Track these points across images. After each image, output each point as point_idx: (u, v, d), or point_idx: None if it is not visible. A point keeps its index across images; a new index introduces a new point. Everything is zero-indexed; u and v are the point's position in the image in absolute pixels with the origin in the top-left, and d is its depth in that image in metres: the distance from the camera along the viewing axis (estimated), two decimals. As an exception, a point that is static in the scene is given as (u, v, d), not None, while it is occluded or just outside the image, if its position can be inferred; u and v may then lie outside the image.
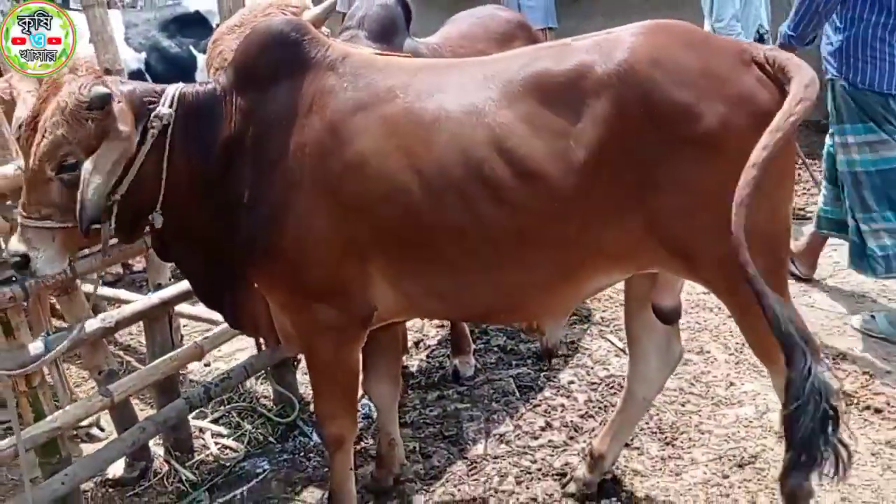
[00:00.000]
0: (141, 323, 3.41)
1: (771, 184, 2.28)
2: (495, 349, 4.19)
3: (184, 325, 4.35)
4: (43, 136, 2.32)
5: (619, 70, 2.20)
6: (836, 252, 4.97)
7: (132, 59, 4.98)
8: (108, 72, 3.41)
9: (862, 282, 4.54)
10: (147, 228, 2.59)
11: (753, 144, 2.20)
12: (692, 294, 4.42)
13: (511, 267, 2.36)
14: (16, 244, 2.39)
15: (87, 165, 2.27)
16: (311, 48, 2.46)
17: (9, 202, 2.77)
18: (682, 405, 3.56)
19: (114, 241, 2.55)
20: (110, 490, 3.31)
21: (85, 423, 3.59)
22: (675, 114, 2.19)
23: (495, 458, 3.33)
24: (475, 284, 2.42)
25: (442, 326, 4.38)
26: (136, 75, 4.80)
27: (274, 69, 2.47)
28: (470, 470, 3.27)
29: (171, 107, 2.42)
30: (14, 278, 2.68)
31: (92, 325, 2.96)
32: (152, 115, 2.39)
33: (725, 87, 2.23)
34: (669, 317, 2.76)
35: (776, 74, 2.27)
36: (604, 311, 4.46)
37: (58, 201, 2.35)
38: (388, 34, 3.44)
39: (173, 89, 2.48)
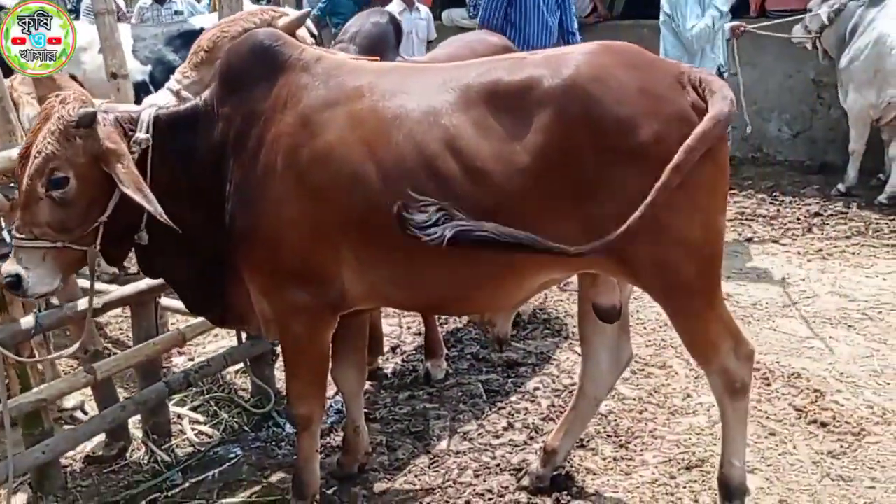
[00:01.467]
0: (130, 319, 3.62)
1: (703, 197, 2.50)
2: (468, 356, 4.37)
3: (171, 323, 4.56)
4: (34, 157, 2.50)
5: (563, 84, 2.41)
6: (803, 281, 5.17)
7: (138, 71, 5.23)
8: (114, 76, 3.66)
9: (824, 309, 4.73)
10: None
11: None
12: (661, 314, 4.59)
13: (458, 259, 2.52)
14: (9, 265, 2.55)
15: (126, 189, 2.47)
16: (285, 52, 2.71)
17: (12, 184, 2.95)
18: (640, 413, 3.73)
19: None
20: (89, 466, 3.49)
21: (69, 405, 3.79)
22: (613, 127, 2.38)
23: (457, 453, 3.49)
24: (426, 274, 2.61)
25: (419, 334, 4.56)
26: (140, 86, 5.04)
27: (251, 73, 2.70)
28: (432, 463, 3.43)
29: (147, 131, 2.64)
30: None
31: (80, 305, 3.17)
32: (131, 141, 2.60)
33: (661, 106, 2.42)
34: (607, 315, 2.93)
35: (704, 95, 2.48)
36: (576, 327, 4.61)
37: (49, 220, 2.53)
38: (377, 50, 3.65)
39: (146, 115, 2.68)
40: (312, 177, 2.56)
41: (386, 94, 2.58)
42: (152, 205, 2.50)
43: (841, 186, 6.93)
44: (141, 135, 2.63)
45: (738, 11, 7.98)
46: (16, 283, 2.54)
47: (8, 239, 2.86)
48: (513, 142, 2.42)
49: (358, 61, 2.85)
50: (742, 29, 6.25)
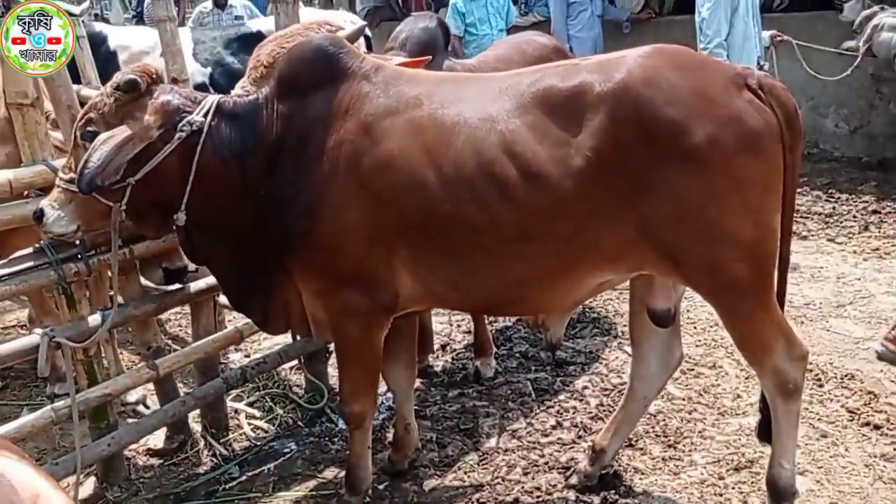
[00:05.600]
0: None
1: (757, 197, 2.51)
2: (517, 355, 4.42)
3: (228, 320, 4.68)
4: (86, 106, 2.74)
5: (615, 88, 2.45)
6: (858, 280, 5.09)
7: (198, 73, 5.37)
8: (175, 81, 3.79)
9: (880, 310, 4.65)
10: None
11: (739, 162, 2.44)
12: (712, 314, 4.57)
13: (515, 260, 2.60)
14: (44, 200, 2.78)
15: (102, 136, 2.61)
16: (348, 60, 2.77)
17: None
18: (689, 413, 3.73)
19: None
20: (151, 458, 3.63)
21: (132, 399, 3.94)
22: (665, 129, 2.41)
23: (506, 451, 3.54)
24: (484, 275, 2.67)
25: (468, 332, 4.62)
26: (201, 88, 5.18)
27: (314, 78, 2.77)
28: (481, 460, 3.49)
29: (205, 115, 2.72)
30: (80, 255, 3.02)
31: (143, 302, 3.30)
32: (184, 120, 2.69)
33: (715, 108, 2.44)
34: (662, 320, 2.94)
35: (768, 99, 2.49)
36: (625, 326, 4.62)
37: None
38: (427, 54, 3.72)
39: (211, 99, 2.79)
40: (374, 183, 2.62)
41: (444, 102, 2.64)
42: (95, 161, 2.54)
43: None
44: (196, 117, 2.71)
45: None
46: (39, 216, 2.76)
47: (46, 251, 3.00)
48: (567, 146, 2.47)
49: (414, 70, 2.92)
50: (780, 39, 6.17)
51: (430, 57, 3.48)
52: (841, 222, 6.27)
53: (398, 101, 2.69)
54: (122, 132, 2.62)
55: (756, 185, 2.50)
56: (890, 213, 6.35)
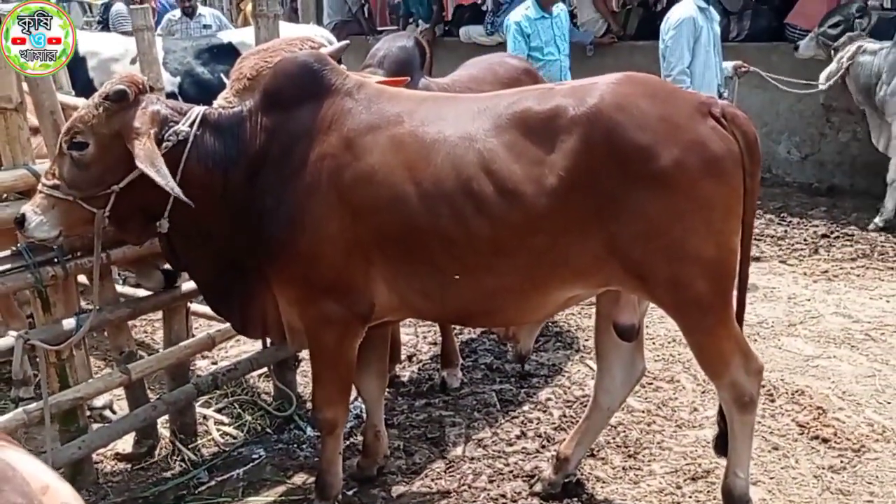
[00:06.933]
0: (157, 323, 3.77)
1: (719, 219, 2.66)
2: (482, 366, 4.52)
3: (196, 327, 4.71)
4: (74, 116, 2.77)
5: (588, 112, 2.58)
6: (808, 301, 5.31)
7: (168, 82, 5.39)
8: (151, 89, 3.83)
9: (829, 329, 4.87)
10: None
11: (703, 185, 2.59)
12: (670, 330, 4.74)
13: (490, 273, 2.71)
14: (26, 205, 2.80)
15: (140, 164, 2.62)
16: (331, 77, 2.87)
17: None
18: (648, 425, 3.86)
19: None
20: (119, 463, 3.65)
21: (99, 404, 3.95)
22: (634, 153, 2.55)
23: (472, 459, 3.63)
24: (459, 287, 2.77)
25: (434, 344, 4.72)
26: (169, 97, 5.22)
27: (299, 93, 2.86)
28: (448, 468, 3.58)
29: (191, 126, 2.80)
30: (56, 259, 3.05)
31: (118, 307, 3.33)
32: (171, 129, 2.77)
33: (681, 133, 2.59)
34: (627, 334, 3.07)
35: (730, 127, 2.64)
36: (587, 340, 4.78)
37: (64, 174, 2.76)
38: (404, 72, 3.83)
39: (197, 110, 2.87)
40: (355, 196, 2.71)
41: (425, 120, 2.75)
42: (164, 179, 2.62)
43: (878, 221, 6.67)
44: (182, 126, 2.78)
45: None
46: (21, 221, 2.78)
47: (24, 254, 3.02)
48: (542, 165, 2.59)
49: (396, 88, 3.02)
50: (745, 69, 6.42)
51: (409, 77, 3.57)
52: (792, 245, 6.51)
53: (380, 117, 2.79)
54: (142, 150, 2.65)
55: (718, 207, 2.65)
56: (838, 237, 6.62)
